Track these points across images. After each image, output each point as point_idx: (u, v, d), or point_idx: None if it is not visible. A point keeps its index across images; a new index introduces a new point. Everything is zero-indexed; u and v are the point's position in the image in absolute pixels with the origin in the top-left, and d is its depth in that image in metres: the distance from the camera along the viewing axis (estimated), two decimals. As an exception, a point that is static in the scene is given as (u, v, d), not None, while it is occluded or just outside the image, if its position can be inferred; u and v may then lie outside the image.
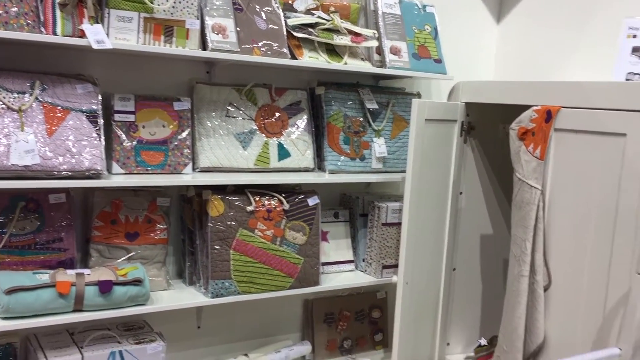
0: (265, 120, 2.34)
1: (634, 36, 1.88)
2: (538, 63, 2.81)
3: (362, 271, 2.61)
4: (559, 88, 2.01)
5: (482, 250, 2.62)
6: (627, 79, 1.91)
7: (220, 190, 2.22)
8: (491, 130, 2.51)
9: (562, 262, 2.02)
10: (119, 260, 2.12)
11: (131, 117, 2.09)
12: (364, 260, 2.60)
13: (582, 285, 1.95)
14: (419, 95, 2.71)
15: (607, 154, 1.84)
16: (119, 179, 2.01)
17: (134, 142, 2.08)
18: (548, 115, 2.00)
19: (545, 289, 2.06)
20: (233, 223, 2.18)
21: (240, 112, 2.30)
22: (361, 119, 2.51)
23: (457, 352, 2.61)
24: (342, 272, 2.57)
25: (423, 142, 2.26)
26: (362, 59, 2.45)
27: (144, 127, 2.11)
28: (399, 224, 2.41)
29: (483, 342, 2.51)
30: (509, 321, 2.11)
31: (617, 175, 1.82)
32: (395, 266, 2.46)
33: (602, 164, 1.86)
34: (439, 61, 2.56)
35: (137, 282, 1.99)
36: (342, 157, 2.45)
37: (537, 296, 2.06)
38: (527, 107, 2.08)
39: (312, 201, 2.34)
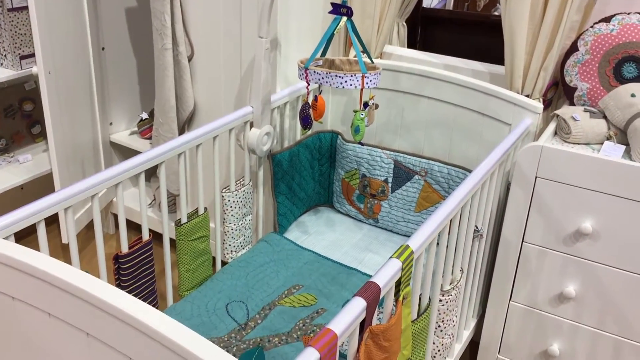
0: None
1: None
2: None
3: (-2, 65, 2.34)
4: None
5: (130, 25, 2.53)
6: None
7: None
8: None
9: (201, 32, 2.08)
10: None
11: None
12: (-3, 53, 2.31)
13: (220, 53, 2.07)
14: None
15: None
16: None
17: None
18: None
19: (189, 59, 2.14)
20: None
21: None
22: None
23: (122, 130, 2.65)
24: (-27, 70, 2.27)
25: None
26: None
27: None
28: (27, 7, 2.14)
29: (144, 116, 2.57)
30: (160, 94, 2.18)
31: (237, -60, 1.84)
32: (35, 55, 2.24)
33: None
34: None
35: None
36: None
37: (182, 67, 2.13)
38: None
39: None
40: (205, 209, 1.78)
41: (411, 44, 2.49)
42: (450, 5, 3.11)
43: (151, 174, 2.73)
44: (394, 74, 1.99)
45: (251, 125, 1.84)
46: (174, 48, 2.10)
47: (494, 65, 2.07)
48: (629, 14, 1.77)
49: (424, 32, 2.63)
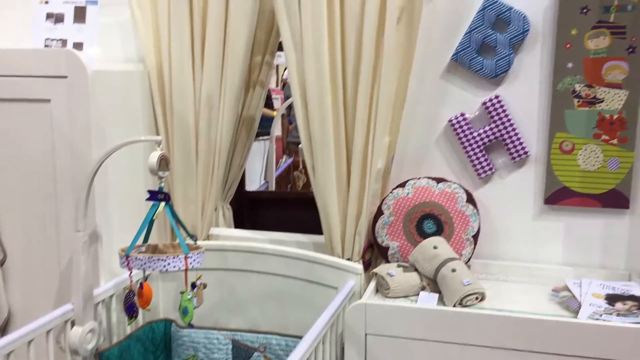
0: None
1: (47, 2, 1.93)
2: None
3: None
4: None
5: None
6: (45, 45, 1.96)
7: None
8: None
9: (16, 233, 2.00)
10: None
11: None
12: None
13: (38, 252, 1.98)
14: None
15: (37, 120, 1.87)
16: None
17: None
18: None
19: (2, 263, 2.01)
20: None
21: None
22: None
23: None
24: None
25: None
26: None
27: None
28: None
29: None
30: (-31, 305, 1.99)
31: (50, 140, 1.87)
32: None
33: (34, 131, 1.89)
34: None
35: None
36: None
37: (-6, 272, 1.99)
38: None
39: None
40: None
41: (239, 224, 2.58)
42: (272, 187, 3.34)
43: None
44: (221, 253, 2.03)
45: (72, 324, 1.73)
46: (-15, 253, 1.98)
47: (317, 235, 2.21)
48: (419, 178, 2.03)
49: (251, 212, 2.76)
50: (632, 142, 1.88)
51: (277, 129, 4.07)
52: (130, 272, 1.61)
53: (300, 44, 1.92)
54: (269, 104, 4.16)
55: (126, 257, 1.60)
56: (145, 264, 1.58)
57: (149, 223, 1.67)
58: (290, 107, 4.04)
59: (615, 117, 1.88)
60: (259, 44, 2.18)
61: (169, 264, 1.56)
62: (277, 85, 5.23)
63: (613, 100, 1.87)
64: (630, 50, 1.84)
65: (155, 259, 1.56)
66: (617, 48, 1.85)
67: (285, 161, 4.21)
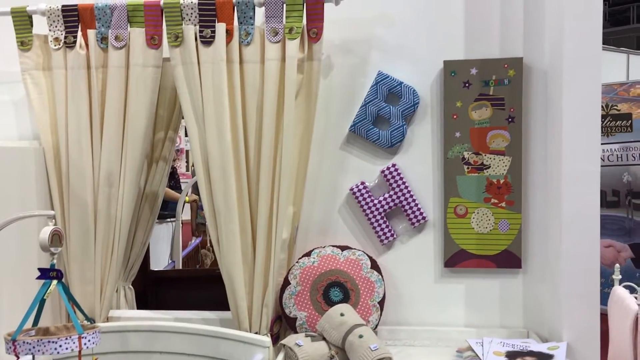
0: None
1: None
2: None
3: None
4: None
5: None
6: None
7: None
8: None
9: None
10: None
11: None
12: None
13: None
14: None
15: None
16: None
17: None
18: None
19: None
20: None
21: None
22: None
23: None
24: None
25: None
26: None
27: None
28: None
29: None
30: None
31: None
32: None
33: None
34: None
35: None
36: None
37: None
38: None
39: None
40: None
41: (143, 306, 2.48)
42: (180, 266, 3.25)
43: None
44: (121, 335, 1.93)
45: (-51, 422, 1.56)
46: None
47: (224, 311, 2.15)
48: (324, 247, 2.06)
49: (156, 292, 2.66)
50: (518, 205, 2.00)
51: (186, 213, 4.03)
52: (18, 359, 1.49)
53: (202, 119, 1.94)
54: (177, 187, 4.12)
55: (12, 342, 1.48)
56: (34, 348, 1.47)
57: (40, 303, 1.57)
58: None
59: (501, 181, 2.01)
60: (161, 121, 2.19)
61: (60, 346, 1.46)
62: (187, 170, 5.20)
63: (498, 166, 2.01)
64: (509, 120, 2.00)
65: (45, 341, 1.46)
66: (498, 118, 2.00)
67: (194, 241, 4.14)
